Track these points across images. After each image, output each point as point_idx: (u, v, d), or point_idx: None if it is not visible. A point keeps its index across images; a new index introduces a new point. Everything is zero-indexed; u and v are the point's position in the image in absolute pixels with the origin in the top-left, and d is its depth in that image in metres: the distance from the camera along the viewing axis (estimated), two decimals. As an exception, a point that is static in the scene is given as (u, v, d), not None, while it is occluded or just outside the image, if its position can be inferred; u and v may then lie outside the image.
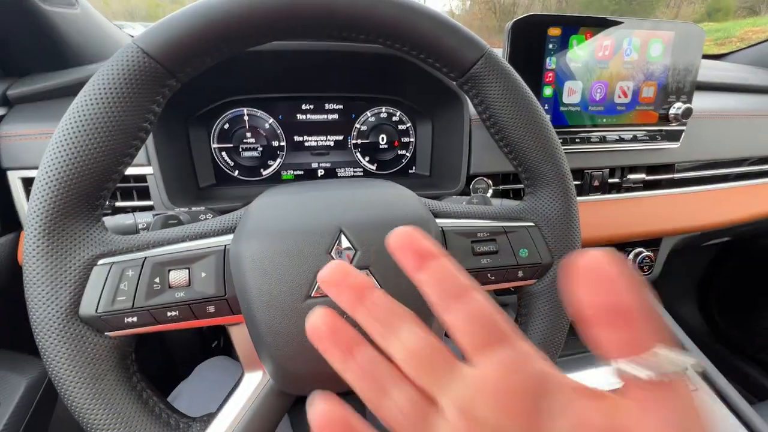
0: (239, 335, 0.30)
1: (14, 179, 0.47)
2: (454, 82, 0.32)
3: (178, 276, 0.27)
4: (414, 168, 0.67)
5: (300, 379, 0.29)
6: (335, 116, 0.62)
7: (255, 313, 0.27)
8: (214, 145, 0.58)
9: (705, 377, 0.61)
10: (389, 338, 0.17)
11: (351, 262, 0.27)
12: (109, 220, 0.36)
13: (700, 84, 0.78)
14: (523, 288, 0.34)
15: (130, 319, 0.26)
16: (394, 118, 0.64)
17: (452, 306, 0.17)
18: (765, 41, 1.03)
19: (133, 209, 0.50)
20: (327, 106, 0.61)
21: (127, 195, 0.51)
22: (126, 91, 0.25)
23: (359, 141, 0.64)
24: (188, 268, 0.28)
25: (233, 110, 0.57)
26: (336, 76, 0.58)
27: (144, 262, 0.27)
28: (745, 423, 0.54)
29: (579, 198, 0.62)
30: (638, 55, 0.57)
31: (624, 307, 0.13)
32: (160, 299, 0.27)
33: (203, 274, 0.28)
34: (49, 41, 0.53)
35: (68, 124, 0.24)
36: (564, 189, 0.33)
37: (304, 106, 0.60)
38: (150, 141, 0.47)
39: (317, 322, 0.18)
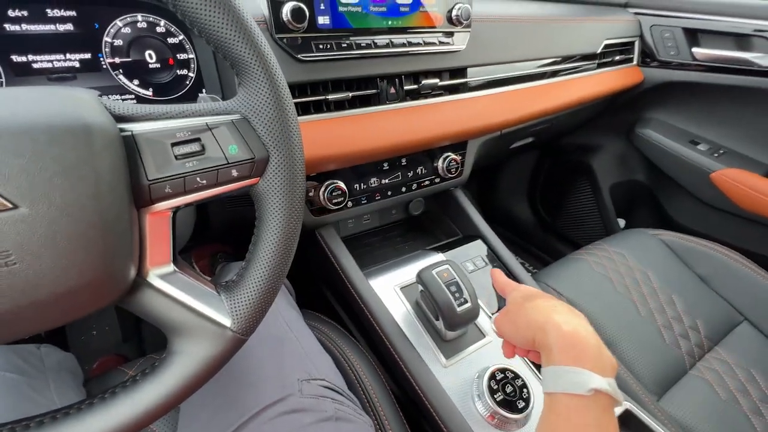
0: None
1: None
2: None
3: None
4: (204, 90, 0.59)
5: None
6: (69, 26, 0.49)
7: None
8: None
9: (497, 255, 0.72)
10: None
11: None
12: None
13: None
14: (251, 189, 0.32)
15: None
16: (158, 29, 0.53)
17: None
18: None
19: None
20: (50, 13, 0.47)
21: None
22: None
23: (117, 59, 0.52)
24: None
25: None
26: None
27: None
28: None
29: (377, 107, 0.63)
30: (412, -51, 0.56)
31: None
32: None
33: None
34: None
35: None
36: (267, 72, 0.30)
37: (11, 13, 0.45)
38: None
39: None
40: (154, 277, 0.30)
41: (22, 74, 0.48)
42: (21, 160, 0.23)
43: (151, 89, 0.55)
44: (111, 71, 0.52)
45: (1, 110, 0.23)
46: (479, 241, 0.74)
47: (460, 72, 0.72)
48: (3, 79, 0.47)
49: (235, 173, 0.30)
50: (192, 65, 0.57)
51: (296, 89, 0.57)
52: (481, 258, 0.70)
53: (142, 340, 1.09)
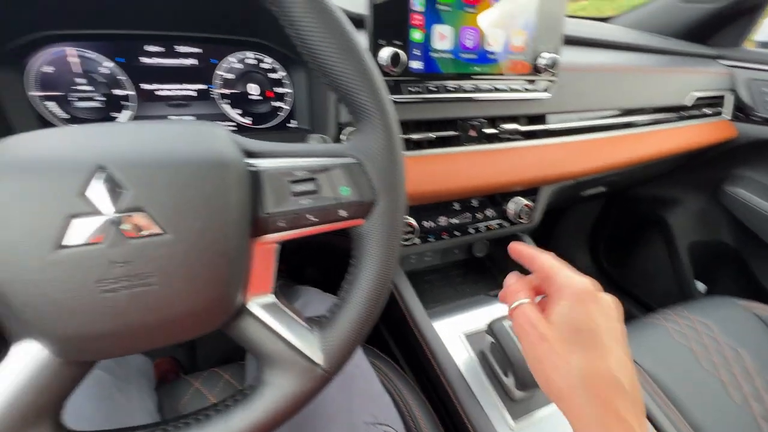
0: (-3, 302, 0.25)
1: None
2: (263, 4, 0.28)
3: None
4: (294, 122, 0.63)
5: (73, 342, 0.25)
6: (192, 61, 0.55)
7: None
8: (32, 93, 0.48)
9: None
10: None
11: (118, 203, 0.23)
12: None
13: (581, 40, 0.82)
14: (352, 229, 0.33)
15: None
16: (263, 66, 0.58)
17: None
18: (639, 7, 1.11)
19: None
20: (178, 49, 0.53)
21: None
22: None
23: (226, 91, 0.57)
24: None
25: (53, 48, 0.48)
26: (184, 11, 0.50)
27: None
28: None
29: (456, 149, 0.63)
30: (507, 1, 0.57)
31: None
32: None
33: None
34: None
35: None
36: (384, 121, 0.31)
37: (148, 48, 0.52)
38: None
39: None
40: (255, 306, 0.31)
41: (148, 100, 0.54)
42: (174, 191, 0.25)
43: (249, 118, 0.60)
44: (219, 101, 0.58)
45: (161, 146, 0.26)
46: (547, 293, 0.70)
47: (540, 118, 0.71)
48: (135, 104, 0.53)
49: (343, 213, 0.31)
50: (287, 98, 0.61)
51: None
52: (551, 312, 0.66)
53: (195, 345, 1.13)
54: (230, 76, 0.57)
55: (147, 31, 0.51)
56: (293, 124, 0.63)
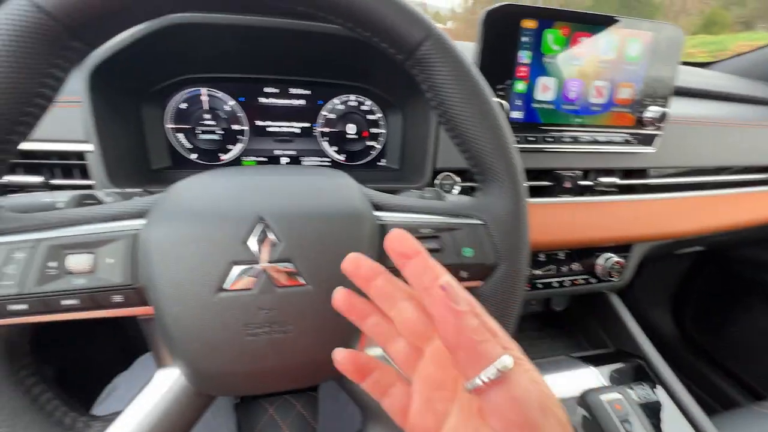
0: (152, 329, 0.28)
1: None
2: (402, 65, 0.30)
3: (79, 261, 0.25)
4: (384, 161, 0.65)
5: (212, 378, 0.26)
6: (301, 102, 0.59)
7: (162, 306, 0.24)
8: (168, 125, 0.55)
9: (667, 389, 0.60)
10: (392, 309, 0.24)
11: (271, 253, 0.25)
12: (20, 198, 0.33)
13: (681, 90, 0.77)
14: (470, 290, 0.32)
15: (16, 307, 0.24)
16: (363, 107, 0.61)
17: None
18: (749, 52, 1.02)
19: (73, 189, 0.47)
20: (292, 91, 0.58)
21: (69, 173, 0.48)
22: (11, 50, 0.21)
23: (326, 129, 0.61)
24: (92, 253, 0.25)
25: (190, 89, 0.54)
26: (300, 58, 0.55)
27: (37, 244, 0.24)
28: (701, 435, 0.53)
29: (549, 199, 0.61)
30: (615, 54, 0.56)
31: None
32: (54, 286, 0.24)
33: (110, 261, 0.25)
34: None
35: None
36: (514, 186, 0.31)
37: (266, 89, 0.57)
38: (89, 115, 0.43)
39: (338, 297, 0.24)
40: (366, 357, 0.31)
41: (258, 135, 0.59)
42: (317, 244, 0.26)
43: (344, 155, 0.63)
44: (319, 138, 0.61)
45: (308, 199, 0.27)
46: (639, 364, 0.63)
47: (639, 172, 0.66)
48: (247, 138, 0.58)
49: (463, 274, 0.30)
50: (380, 139, 0.63)
51: (469, 173, 0.59)
52: (647, 388, 0.59)
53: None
54: (332, 116, 0.60)
55: (267, 75, 0.56)
56: (383, 163, 0.65)
